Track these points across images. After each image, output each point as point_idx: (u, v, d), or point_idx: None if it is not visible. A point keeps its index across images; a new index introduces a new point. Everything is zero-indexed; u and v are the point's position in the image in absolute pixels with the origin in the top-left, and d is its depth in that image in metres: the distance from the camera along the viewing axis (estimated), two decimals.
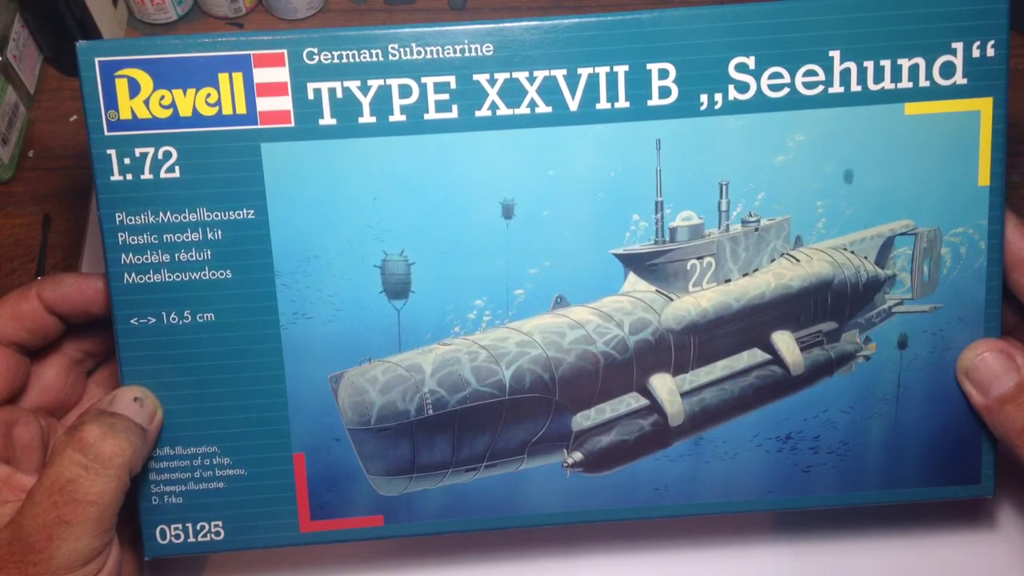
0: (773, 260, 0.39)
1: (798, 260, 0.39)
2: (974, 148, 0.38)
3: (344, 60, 0.36)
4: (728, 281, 0.39)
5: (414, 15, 0.58)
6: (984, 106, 0.38)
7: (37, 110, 0.57)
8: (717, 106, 0.37)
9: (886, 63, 0.37)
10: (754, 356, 0.40)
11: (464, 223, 0.37)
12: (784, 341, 0.39)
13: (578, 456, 0.39)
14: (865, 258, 0.40)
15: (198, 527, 0.39)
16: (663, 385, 0.39)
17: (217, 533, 0.39)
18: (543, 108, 0.37)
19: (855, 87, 0.37)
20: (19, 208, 0.54)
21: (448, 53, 0.36)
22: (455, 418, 0.38)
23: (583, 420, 0.39)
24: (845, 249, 0.39)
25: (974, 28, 0.37)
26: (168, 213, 0.36)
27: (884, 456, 0.40)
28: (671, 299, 0.39)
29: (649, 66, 0.37)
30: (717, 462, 0.40)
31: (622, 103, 0.37)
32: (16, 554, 0.34)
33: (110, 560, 0.35)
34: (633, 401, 0.39)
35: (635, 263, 0.38)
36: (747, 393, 0.40)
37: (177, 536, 0.39)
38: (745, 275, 0.40)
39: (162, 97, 0.36)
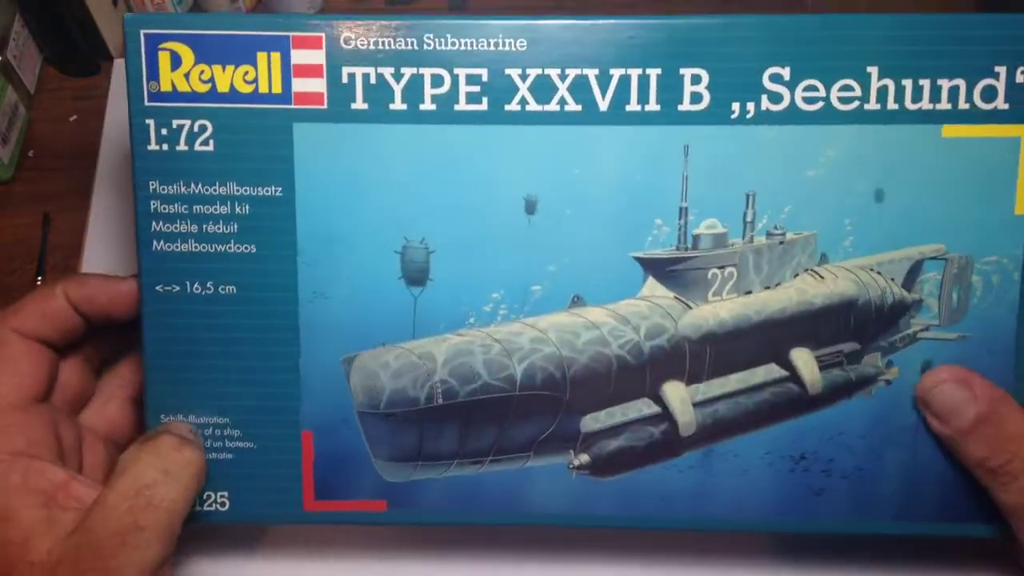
0: (796, 275, 0.42)
1: (822, 277, 0.42)
2: (1012, 175, 0.41)
3: (379, 47, 0.40)
4: (749, 293, 0.43)
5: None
6: None
7: (37, 110, 0.62)
8: (749, 115, 0.40)
9: (925, 82, 0.40)
10: (771, 372, 0.43)
11: (486, 215, 0.41)
12: (803, 358, 0.42)
13: (585, 458, 0.43)
14: (892, 280, 0.42)
15: (204, 496, 0.43)
16: (676, 393, 0.42)
17: (223, 504, 0.43)
18: (573, 106, 0.40)
19: (892, 105, 0.40)
20: (19, 208, 0.59)
21: (481, 46, 0.40)
22: (464, 409, 0.42)
23: (592, 422, 0.43)
24: (871, 270, 0.42)
25: (1018, 53, 0.40)
26: (199, 185, 0.41)
27: (900, 486, 0.43)
28: (689, 307, 0.42)
29: (682, 71, 0.40)
30: (727, 477, 0.43)
31: (652, 106, 0.40)
32: (84, 560, 0.37)
33: None
34: (644, 407, 0.43)
35: (655, 268, 0.42)
36: (761, 408, 0.43)
37: None
38: (767, 288, 0.43)
39: (202, 72, 0.40)
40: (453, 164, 0.41)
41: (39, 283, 0.57)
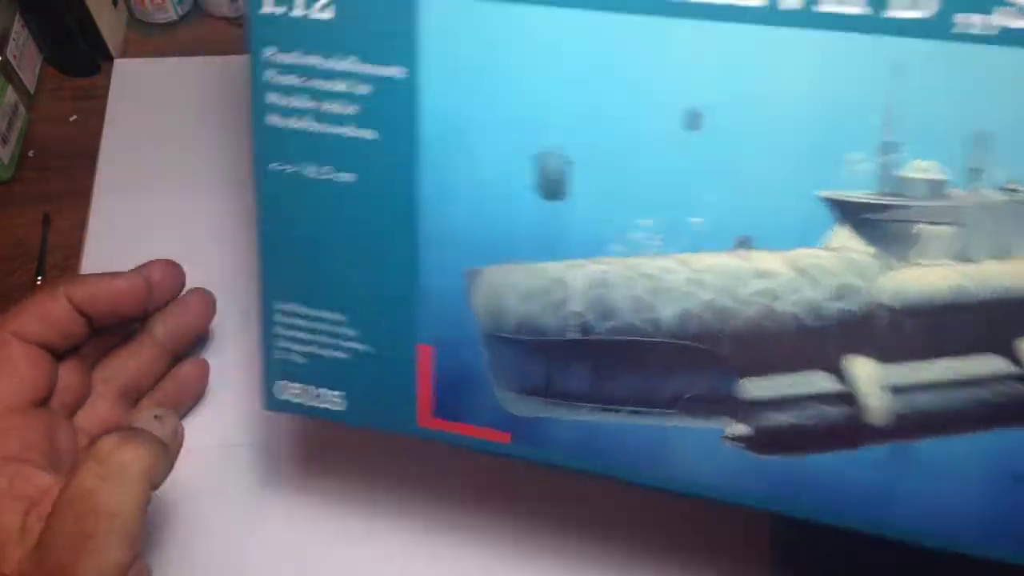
0: None
1: None
2: None
3: None
4: (970, 261, 0.40)
5: None
6: None
7: (37, 110, 0.74)
8: (981, 31, 0.37)
9: None
10: (991, 364, 0.40)
11: (638, 127, 0.41)
12: None
13: (745, 429, 0.43)
14: None
15: (318, 392, 0.49)
16: (865, 372, 0.41)
17: (338, 403, 0.49)
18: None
19: None
20: (19, 208, 0.70)
21: None
22: (600, 348, 0.43)
23: (752, 388, 0.43)
24: None
25: None
26: (317, 56, 0.44)
27: None
28: (891, 267, 0.41)
29: None
30: (922, 482, 0.42)
31: (855, 7, 0.38)
32: (47, 571, 0.42)
33: None
34: (822, 382, 0.42)
35: (849, 213, 0.40)
36: (978, 409, 0.41)
37: (296, 395, 0.49)
38: (995, 259, 0.40)
39: None
40: (602, 61, 0.40)
41: (39, 283, 0.66)
